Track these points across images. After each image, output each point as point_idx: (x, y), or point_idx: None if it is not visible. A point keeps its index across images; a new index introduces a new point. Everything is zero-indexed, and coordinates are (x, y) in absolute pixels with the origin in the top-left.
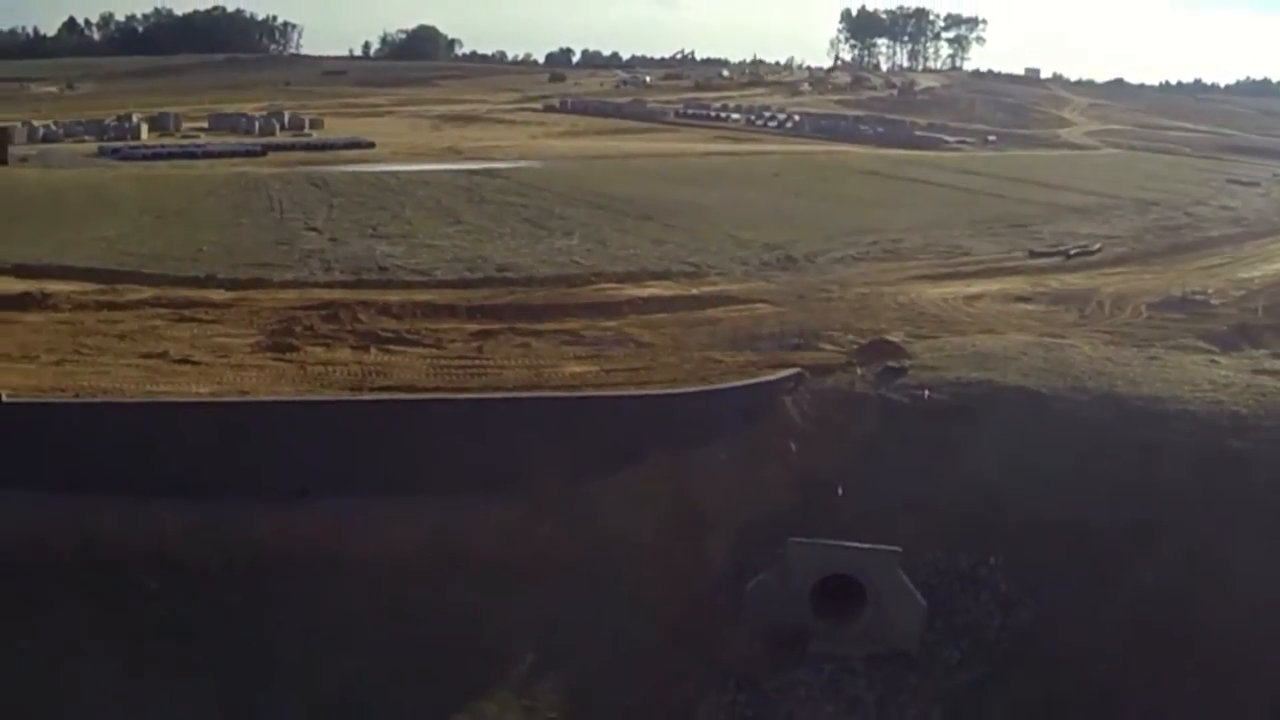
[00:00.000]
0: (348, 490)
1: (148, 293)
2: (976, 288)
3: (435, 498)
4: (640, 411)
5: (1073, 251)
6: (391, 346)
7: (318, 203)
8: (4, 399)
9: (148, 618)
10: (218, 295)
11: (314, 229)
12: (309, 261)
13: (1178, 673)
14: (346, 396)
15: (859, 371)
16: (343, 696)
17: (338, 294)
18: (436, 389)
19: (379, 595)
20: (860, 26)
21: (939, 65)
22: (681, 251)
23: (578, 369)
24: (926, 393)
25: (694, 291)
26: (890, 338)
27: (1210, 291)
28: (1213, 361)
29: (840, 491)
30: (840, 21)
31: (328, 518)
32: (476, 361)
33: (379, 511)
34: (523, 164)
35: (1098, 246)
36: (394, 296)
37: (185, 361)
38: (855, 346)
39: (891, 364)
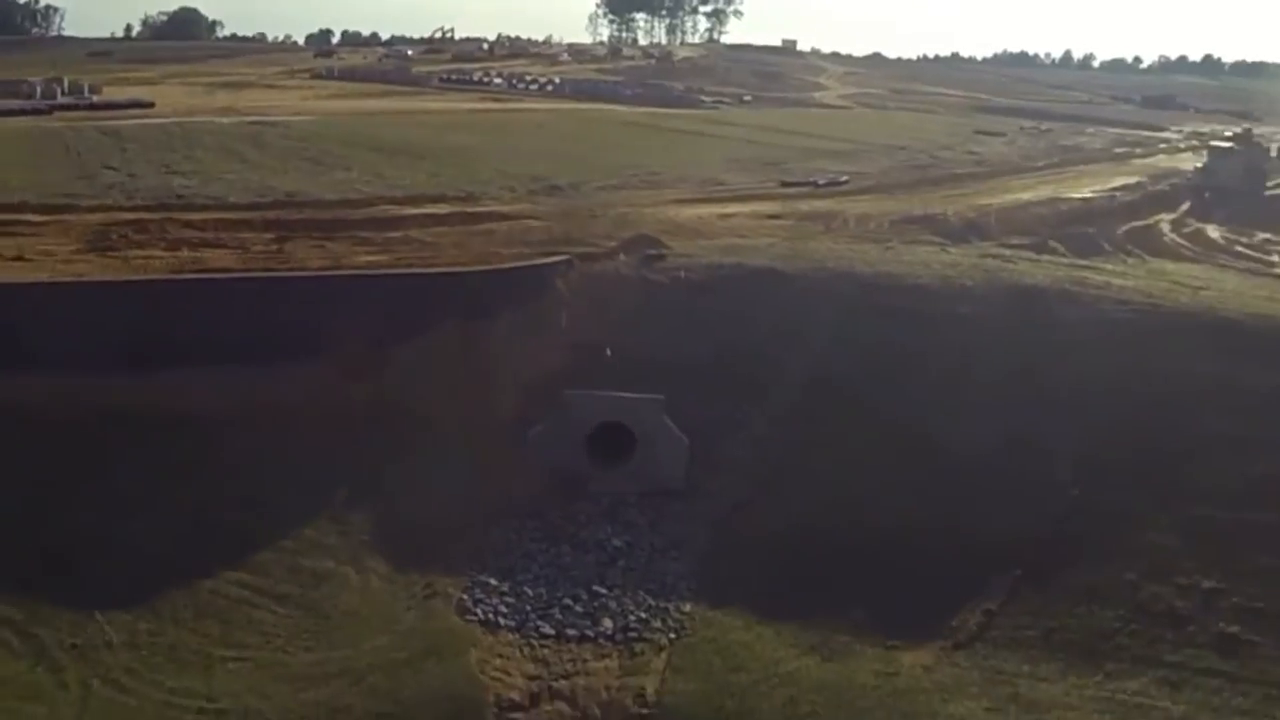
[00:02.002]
0: (181, 359)
1: None
2: (730, 209)
3: (256, 363)
4: (432, 287)
5: (821, 182)
6: (201, 249)
7: (111, 148)
8: None
9: (8, 467)
10: (32, 217)
11: (111, 168)
12: (111, 192)
13: (920, 479)
14: (173, 275)
15: (621, 258)
16: (186, 526)
17: (143, 215)
18: (249, 268)
19: (210, 446)
20: (618, 3)
21: (697, 39)
22: (454, 182)
23: (371, 259)
24: (683, 272)
25: (468, 210)
26: (650, 234)
27: (949, 212)
28: (944, 250)
29: (608, 353)
30: None
31: (165, 383)
32: (279, 255)
33: (208, 376)
34: (299, 118)
35: (845, 179)
36: (195, 216)
37: (18, 259)
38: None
39: (651, 252)
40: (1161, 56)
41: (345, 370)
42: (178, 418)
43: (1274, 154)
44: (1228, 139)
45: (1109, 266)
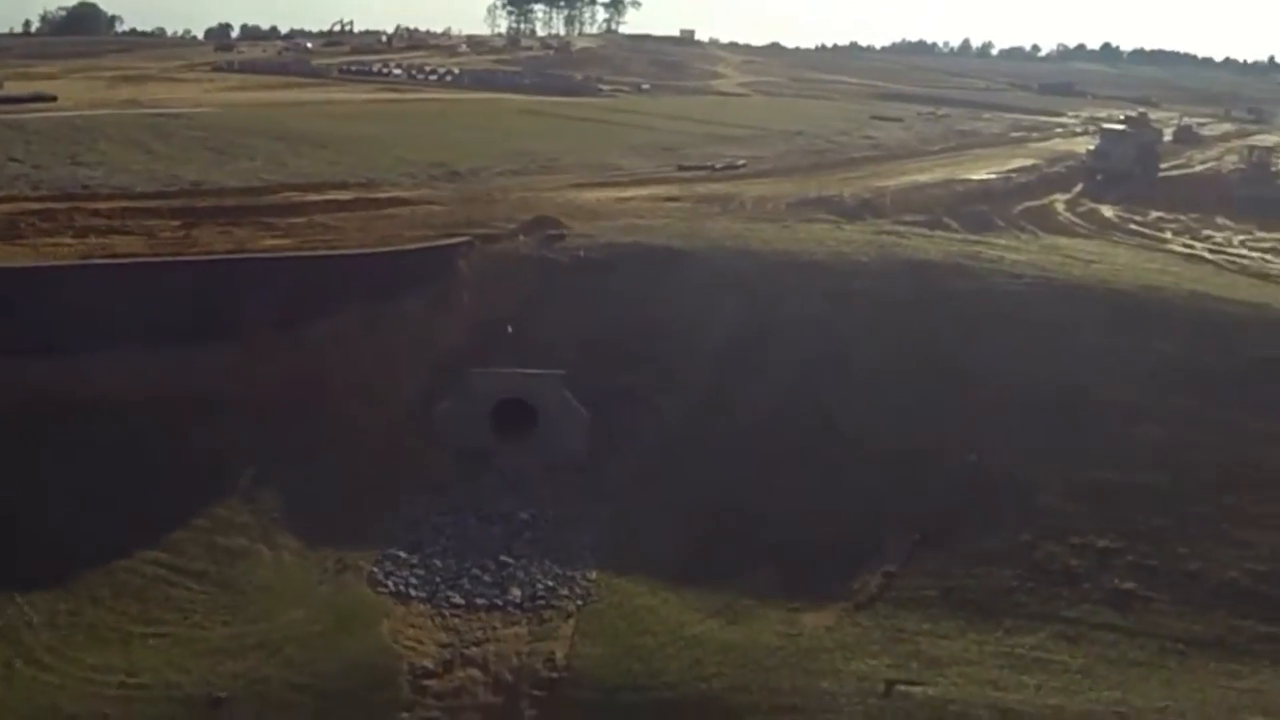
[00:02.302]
0: (96, 343)
1: None
2: (628, 193)
3: (169, 346)
4: (339, 269)
5: (719, 166)
6: (109, 236)
7: (14, 140)
8: None
9: None
10: None
11: (16, 160)
12: (16, 183)
13: (818, 449)
14: (87, 261)
15: (522, 238)
16: (101, 507)
17: (50, 205)
18: (158, 253)
19: (123, 427)
20: None
21: (595, 30)
22: (355, 169)
23: (276, 243)
24: (582, 251)
25: (371, 196)
26: (549, 215)
27: (845, 194)
28: (838, 227)
29: (510, 330)
30: None
31: (79, 367)
32: (186, 240)
33: (121, 359)
34: (201, 109)
35: (742, 163)
36: (102, 205)
37: None
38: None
39: (551, 233)
40: (1060, 45)
41: (253, 352)
42: (92, 401)
43: (1169, 138)
44: (1120, 122)
45: (1002, 242)
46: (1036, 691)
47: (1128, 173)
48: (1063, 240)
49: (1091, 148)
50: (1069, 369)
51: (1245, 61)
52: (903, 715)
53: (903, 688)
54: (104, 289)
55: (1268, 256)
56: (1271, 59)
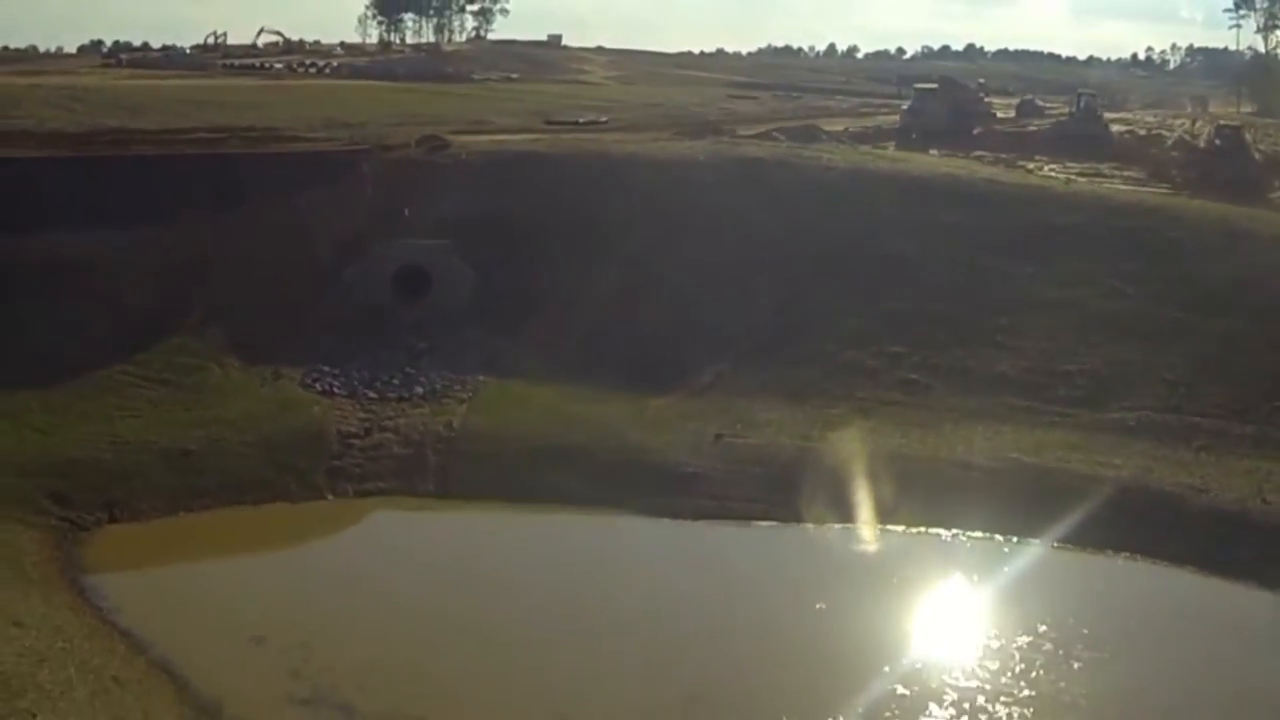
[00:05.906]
0: (64, 224)
1: None
2: (500, 137)
3: (119, 228)
4: (258, 166)
5: (583, 120)
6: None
7: None
8: None
9: None
10: None
11: None
12: None
13: (662, 292)
14: (41, 155)
15: (413, 147)
16: (78, 336)
17: None
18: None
19: (94, 283)
20: (388, 3)
21: (463, 38)
22: (259, 121)
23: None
24: (464, 154)
25: (278, 135)
26: (435, 134)
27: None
28: (681, 140)
29: (406, 213)
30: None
31: (51, 242)
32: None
33: (85, 236)
34: (105, 88)
35: (605, 119)
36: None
37: None
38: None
39: (437, 144)
40: (925, 46)
41: (186, 232)
42: (71, 264)
43: (1013, 112)
44: (933, 81)
45: (822, 147)
46: (835, 440)
47: (940, 130)
48: (873, 149)
49: (904, 106)
50: (869, 232)
51: (1108, 59)
52: (728, 455)
53: (728, 439)
54: (73, 180)
55: (1072, 177)
56: (1134, 56)
